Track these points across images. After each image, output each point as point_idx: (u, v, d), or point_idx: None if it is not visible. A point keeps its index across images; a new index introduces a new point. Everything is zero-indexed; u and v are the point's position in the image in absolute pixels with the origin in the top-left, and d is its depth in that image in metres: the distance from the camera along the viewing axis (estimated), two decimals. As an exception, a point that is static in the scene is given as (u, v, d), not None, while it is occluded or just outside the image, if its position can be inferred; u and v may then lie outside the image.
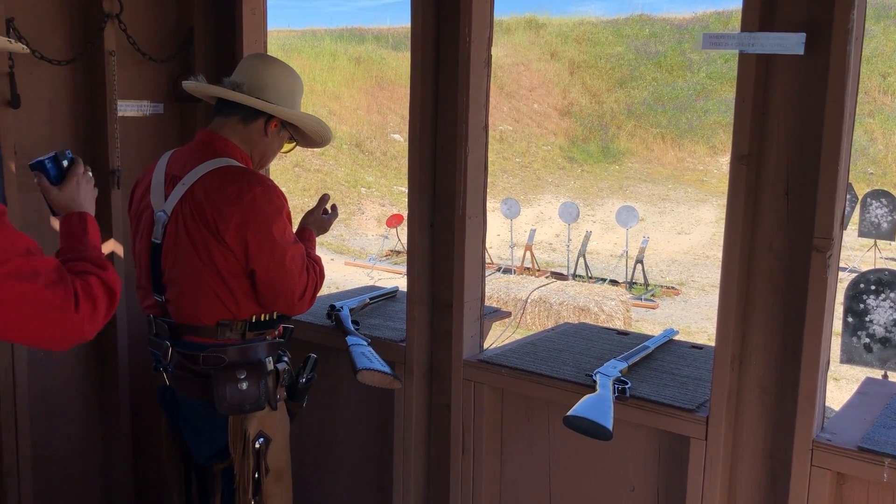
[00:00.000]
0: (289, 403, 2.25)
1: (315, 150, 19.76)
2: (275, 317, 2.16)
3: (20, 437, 2.71)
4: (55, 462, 2.88)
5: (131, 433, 3.00)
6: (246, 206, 1.99)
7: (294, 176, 18.55)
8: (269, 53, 2.32)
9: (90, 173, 1.84)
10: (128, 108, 2.88)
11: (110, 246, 2.84)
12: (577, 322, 3.54)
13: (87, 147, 2.84)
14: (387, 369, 2.35)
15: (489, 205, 2.53)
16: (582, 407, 1.97)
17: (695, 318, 11.25)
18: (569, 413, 1.95)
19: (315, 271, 2.15)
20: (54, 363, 2.84)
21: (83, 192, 1.78)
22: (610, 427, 1.91)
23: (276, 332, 2.20)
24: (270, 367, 2.13)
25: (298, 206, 16.60)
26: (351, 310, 2.75)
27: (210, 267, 2.03)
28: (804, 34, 1.77)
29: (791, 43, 1.79)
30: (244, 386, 2.06)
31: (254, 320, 2.11)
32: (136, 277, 2.21)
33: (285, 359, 2.22)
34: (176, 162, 2.14)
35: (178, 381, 2.16)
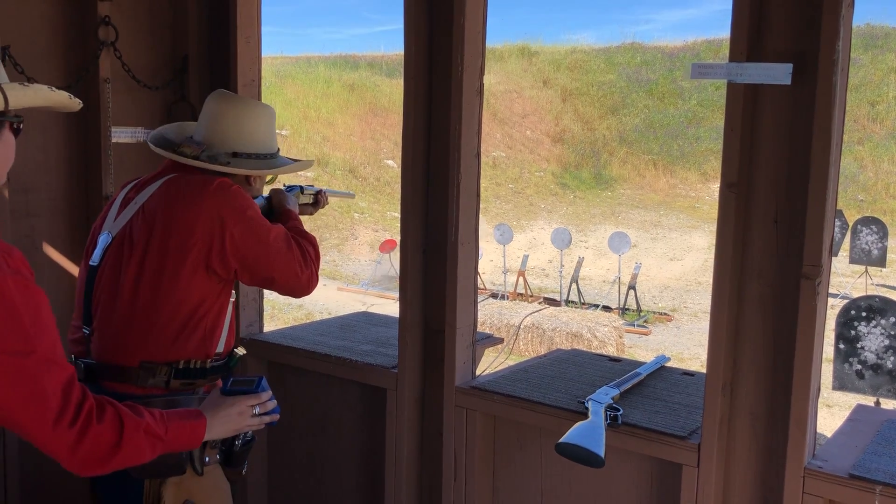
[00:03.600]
0: (225, 470, 1.95)
1: (309, 174, 19.82)
2: (207, 366, 1.94)
3: (8, 468, 2.69)
4: (45, 491, 2.85)
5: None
6: (210, 196, 1.87)
7: (287, 201, 18.57)
8: (231, 93, 2.14)
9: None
10: (122, 135, 2.89)
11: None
12: (569, 348, 3.54)
13: (80, 173, 2.85)
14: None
15: (481, 230, 2.54)
16: (574, 434, 1.97)
17: (687, 344, 11.25)
18: (561, 440, 1.95)
19: (300, 243, 2.02)
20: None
21: None
22: (602, 454, 1.90)
23: (211, 385, 1.96)
24: None
25: (291, 231, 16.57)
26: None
27: (146, 292, 1.86)
28: (791, 65, 1.80)
29: (778, 73, 1.82)
30: None
31: (181, 366, 1.90)
32: (75, 301, 2.04)
33: None
34: (135, 187, 2.03)
35: None
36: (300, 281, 1.99)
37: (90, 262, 1.97)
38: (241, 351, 2.13)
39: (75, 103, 1.47)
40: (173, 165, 2.00)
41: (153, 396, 1.87)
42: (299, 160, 2.20)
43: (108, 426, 1.43)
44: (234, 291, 2.02)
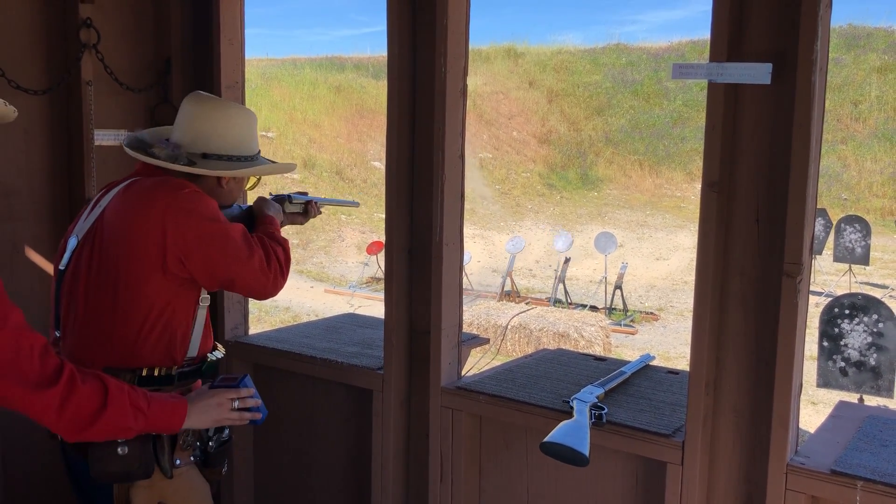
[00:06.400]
0: (204, 471, 1.94)
1: (295, 177, 19.75)
2: (173, 372, 1.89)
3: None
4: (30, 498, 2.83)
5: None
6: (160, 198, 1.82)
7: (274, 204, 18.49)
8: (209, 94, 2.07)
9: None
10: (105, 138, 2.88)
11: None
12: (555, 348, 3.55)
13: (63, 176, 2.83)
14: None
15: (469, 231, 2.54)
16: (559, 433, 1.97)
17: (674, 343, 11.29)
18: (545, 439, 1.95)
19: (267, 245, 1.95)
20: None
21: None
22: (586, 453, 1.91)
23: (184, 390, 1.92)
24: None
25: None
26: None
27: (103, 298, 1.83)
28: (770, 64, 1.82)
29: (758, 73, 1.84)
30: (123, 450, 1.74)
31: (144, 374, 1.85)
32: (50, 314, 2.03)
33: None
34: (106, 189, 2.01)
35: (66, 443, 1.87)
36: (260, 282, 1.93)
37: (59, 266, 1.96)
38: (218, 354, 2.05)
39: (10, 111, 1.46)
40: (144, 168, 1.96)
41: None
42: (277, 163, 2.14)
43: (92, 388, 1.53)
44: (207, 295, 1.96)
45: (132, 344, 1.85)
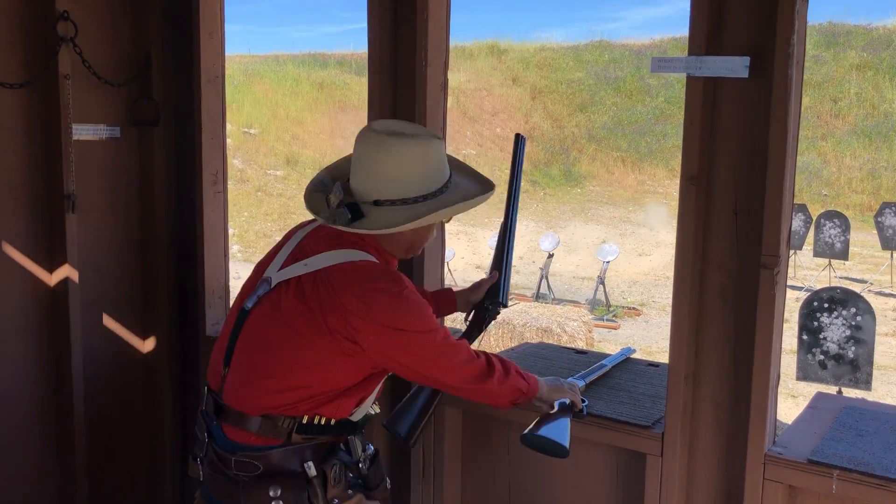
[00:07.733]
0: (368, 494, 1.89)
1: (278, 174, 19.68)
2: (333, 423, 1.80)
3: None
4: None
5: (87, 468, 2.93)
6: (377, 313, 1.71)
7: (256, 201, 18.43)
8: (385, 127, 1.78)
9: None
10: (84, 132, 2.85)
11: (65, 272, 2.80)
12: (537, 342, 3.57)
13: (42, 171, 2.80)
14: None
15: (452, 228, 2.55)
16: (539, 426, 1.98)
17: (656, 337, 11.36)
18: (525, 431, 1.96)
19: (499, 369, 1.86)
20: (6, 396, 2.77)
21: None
22: (567, 445, 1.92)
23: (335, 440, 1.85)
24: (312, 472, 1.77)
25: (262, 230, 16.47)
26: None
27: (287, 354, 1.76)
28: (748, 58, 1.84)
29: (736, 66, 1.85)
30: (278, 503, 1.75)
31: (305, 421, 1.78)
32: (219, 339, 1.95)
33: (342, 454, 1.84)
34: (311, 239, 1.87)
35: (212, 480, 1.85)
36: (477, 391, 1.87)
37: (245, 305, 1.85)
38: (375, 409, 1.97)
39: None
40: (340, 235, 1.81)
41: (266, 449, 1.78)
42: (468, 196, 1.89)
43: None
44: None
45: (298, 397, 1.78)
